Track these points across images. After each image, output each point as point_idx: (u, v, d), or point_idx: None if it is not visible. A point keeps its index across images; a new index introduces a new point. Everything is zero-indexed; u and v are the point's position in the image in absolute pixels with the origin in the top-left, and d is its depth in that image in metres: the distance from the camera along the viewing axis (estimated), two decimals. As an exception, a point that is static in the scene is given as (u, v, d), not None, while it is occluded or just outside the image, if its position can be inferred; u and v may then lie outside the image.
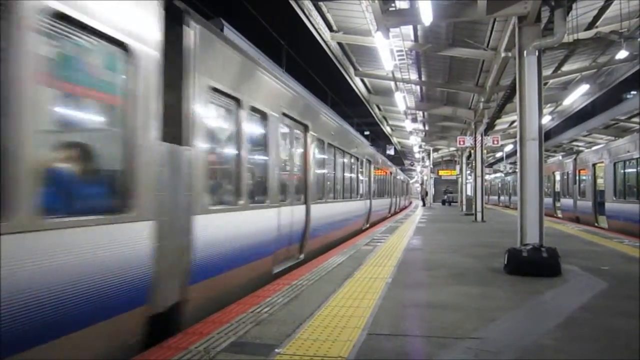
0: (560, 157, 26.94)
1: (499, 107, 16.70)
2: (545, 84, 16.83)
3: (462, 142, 21.70)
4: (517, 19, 8.21)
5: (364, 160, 16.13)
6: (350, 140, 14.27)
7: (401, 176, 37.50)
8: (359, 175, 15.24)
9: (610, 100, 23.98)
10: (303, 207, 8.39)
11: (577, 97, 17.46)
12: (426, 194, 43.77)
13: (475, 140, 20.52)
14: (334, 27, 13.62)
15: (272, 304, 5.04)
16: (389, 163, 28.19)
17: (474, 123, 20.76)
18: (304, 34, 13.45)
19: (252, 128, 6.20)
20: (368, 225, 16.61)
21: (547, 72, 15.63)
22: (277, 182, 6.87)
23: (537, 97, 7.75)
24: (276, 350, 3.61)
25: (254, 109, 6.08)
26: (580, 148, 27.75)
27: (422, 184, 51.72)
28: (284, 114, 7.34)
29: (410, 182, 59.48)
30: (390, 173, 26.11)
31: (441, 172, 45.40)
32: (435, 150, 40.67)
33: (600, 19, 11.91)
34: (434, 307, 4.99)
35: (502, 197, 45.79)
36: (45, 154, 2.91)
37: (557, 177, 24.38)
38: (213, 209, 4.91)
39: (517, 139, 8.06)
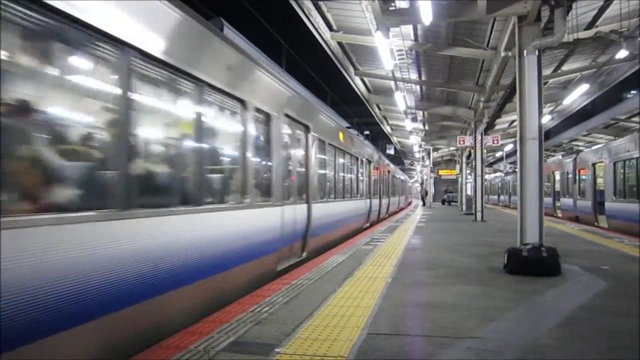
0: (560, 157, 26.95)
1: (499, 106, 16.69)
2: (545, 83, 16.83)
3: (462, 142, 21.70)
4: (517, 18, 8.21)
5: (296, 124, 8.47)
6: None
7: (398, 174, 34.43)
8: (274, 153, 7.15)
9: (610, 100, 23.97)
10: None
11: (577, 96, 17.44)
12: (426, 193, 43.78)
13: (475, 140, 20.52)
14: (334, 27, 13.61)
15: (272, 303, 5.04)
16: (372, 149, 20.45)
17: (474, 122, 20.76)
18: (304, 34, 13.46)
19: None
20: (304, 255, 8.60)
21: (547, 71, 15.62)
22: None
23: (537, 97, 7.75)
24: (276, 349, 3.61)
25: None
26: (580, 148, 27.76)
27: (422, 184, 51.75)
28: None
29: (410, 181, 59.34)
30: (369, 161, 17.70)
31: (441, 172, 45.36)
32: (435, 149, 40.66)
33: (600, 19, 11.90)
34: (434, 307, 4.98)
35: (502, 197, 45.79)
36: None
37: (557, 177, 24.38)
38: None
39: (517, 138, 8.06)
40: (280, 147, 7.40)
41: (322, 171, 10.64)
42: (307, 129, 9.10)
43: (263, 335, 3.98)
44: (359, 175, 15.74)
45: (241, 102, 5.94)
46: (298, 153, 8.85)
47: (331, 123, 11.99)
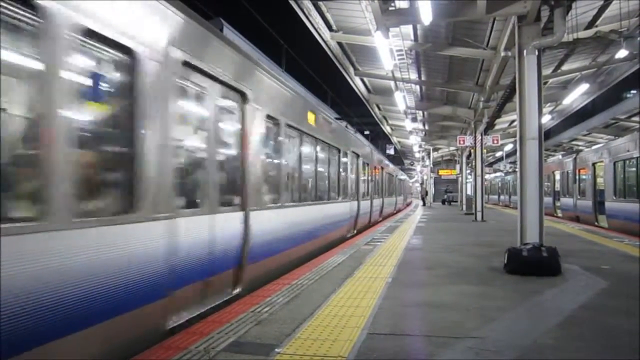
0: (560, 157, 26.95)
1: (498, 106, 16.69)
2: (545, 83, 16.83)
3: (462, 142, 21.71)
4: (517, 18, 8.20)
5: (217, 85, 5.39)
6: None
7: (395, 172, 31.64)
8: (146, 127, 3.98)
9: (610, 100, 23.99)
10: None
11: (576, 96, 17.45)
12: (426, 193, 43.80)
13: (475, 140, 20.52)
14: (334, 27, 13.61)
15: (272, 303, 5.04)
16: (361, 141, 17.38)
17: (474, 122, 20.76)
18: (304, 34, 13.47)
19: None
20: (238, 290, 5.70)
21: (546, 71, 15.62)
22: None
23: (537, 97, 7.75)
24: (276, 350, 3.61)
25: None
26: (580, 147, 27.76)
27: (422, 184, 51.79)
28: None
29: (410, 180, 59.22)
30: (357, 155, 14.88)
31: (441, 172, 45.41)
32: (435, 149, 40.69)
33: (600, 18, 11.90)
34: (434, 307, 4.98)
35: (502, 197, 45.80)
36: None
37: (557, 177, 24.37)
38: None
39: (517, 138, 8.06)
40: (165, 117, 4.25)
41: (276, 164, 7.69)
42: (243, 97, 6.04)
43: (263, 335, 3.98)
44: (341, 171, 12.78)
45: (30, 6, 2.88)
46: (222, 134, 5.84)
47: (293, 98, 8.67)
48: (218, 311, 4.86)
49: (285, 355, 3.49)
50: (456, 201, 38.48)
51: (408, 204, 46.57)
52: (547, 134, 23.98)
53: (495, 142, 21.18)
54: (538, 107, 7.76)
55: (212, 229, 5.09)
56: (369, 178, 17.69)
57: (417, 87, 20.00)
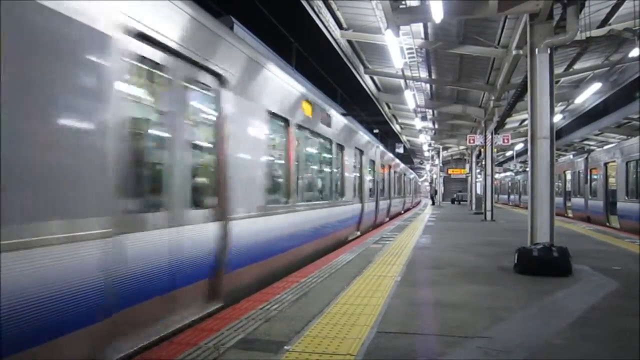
0: (572, 156, 26.70)
1: (509, 105, 16.57)
2: (557, 82, 16.69)
3: (472, 141, 21.60)
4: (529, 16, 8.13)
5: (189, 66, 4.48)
6: None
7: (407, 172, 30.88)
8: None
9: (622, 99, 23.70)
10: None
11: (589, 95, 17.28)
12: (435, 192, 43.66)
13: (485, 139, 20.40)
14: (344, 25, 13.59)
15: (281, 301, 5.05)
16: (368, 136, 15.92)
17: (484, 121, 20.64)
18: (314, 32, 13.45)
19: None
20: (212, 309, 4.86)
21: (558, 70, 15.48)
22: None
23: (549, 96, 7.68)
24: (285, 347, 3.62)
25: None
26: (592, 147, 27.50)
27: (431, 183, 51.63)
28: None
29: (419, 180, 59.03)
30: (361, 150, 13.54)
31: (451, 171, 45.23)
32: (445, 148, 40.51)
33: (614, 16, 11.76)
34: (444, 306, 4.97)
35: (512, 196, 45.52)
36: None
37: (568, 176, 24.17)
38: None
39: (528, 137, 7.99)
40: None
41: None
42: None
43: (272, 332, 4.00)
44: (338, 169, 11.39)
45: None
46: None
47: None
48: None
49: (294, 353, 3.50)
50: (466, 200, 38.33)
51: (418, 202, 46.69)
52: (558, 134, 23.87)
53: (506, 141, 21.06)
54: (549, 106, 7.69)
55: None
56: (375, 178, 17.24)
57: (427, 85, 19.92)
